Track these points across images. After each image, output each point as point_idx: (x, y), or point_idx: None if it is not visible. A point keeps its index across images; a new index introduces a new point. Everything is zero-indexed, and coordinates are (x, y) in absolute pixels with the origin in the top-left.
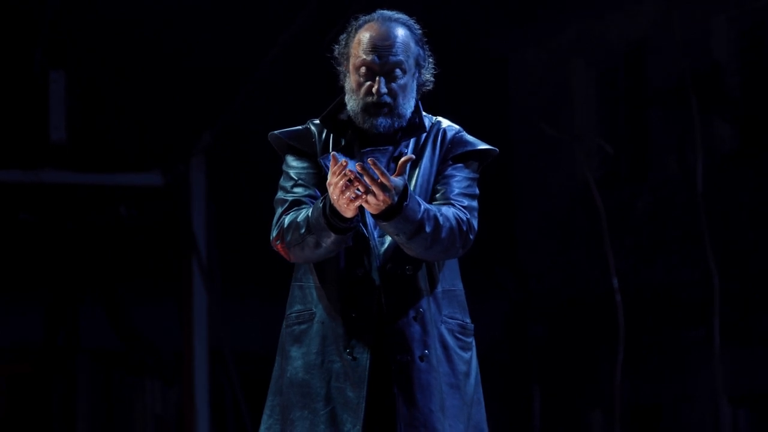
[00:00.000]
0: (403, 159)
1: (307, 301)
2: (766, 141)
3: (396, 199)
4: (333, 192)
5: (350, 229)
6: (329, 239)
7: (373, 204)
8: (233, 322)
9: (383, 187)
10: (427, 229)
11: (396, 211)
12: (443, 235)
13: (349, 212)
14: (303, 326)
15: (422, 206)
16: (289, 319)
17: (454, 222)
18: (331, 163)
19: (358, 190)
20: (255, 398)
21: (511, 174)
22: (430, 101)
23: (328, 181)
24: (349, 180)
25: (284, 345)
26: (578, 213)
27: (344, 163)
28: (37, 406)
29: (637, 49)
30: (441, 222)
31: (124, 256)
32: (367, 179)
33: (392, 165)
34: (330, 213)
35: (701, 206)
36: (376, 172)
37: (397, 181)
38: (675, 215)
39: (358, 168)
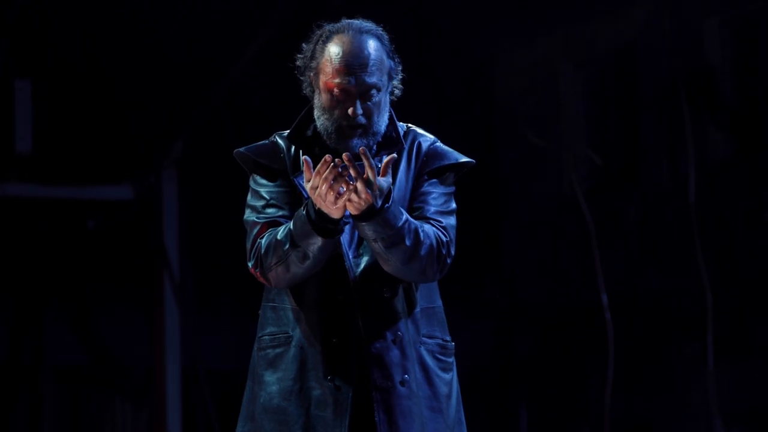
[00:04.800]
0: (386, 159)
1: (282, 323)
2: (760, 148)
3: (379, 202)
4: (320, 189)
5: (338, 231)
6: (316, 246)
7: (354, 201)
8: (207, 339)
9: (368, 183)
10: (407, 242)
11: (376, 211)
12: (423, 252)
13: (336, 211)
14: (278, 350)
15: (404, 216)
16: (262, 341)
17: (434, 241)
18: (304, 167)
19: (342, 187)
20: (229, 419)
21: (497, 182)
22: (415, 107)
23: (310, 184)
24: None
25: (256, 369)
26: (566, 223)
27: (328, 160)
28: (0, 425)
29: (627, 53)
30: (422, 238)
31: (92, 271)
32: (352, 171)
33: None
34: (316, 217)
35: (693, 215)
36: (365, 163)
37: (382, 182)
38: (666, 225)
39: (345, 159)
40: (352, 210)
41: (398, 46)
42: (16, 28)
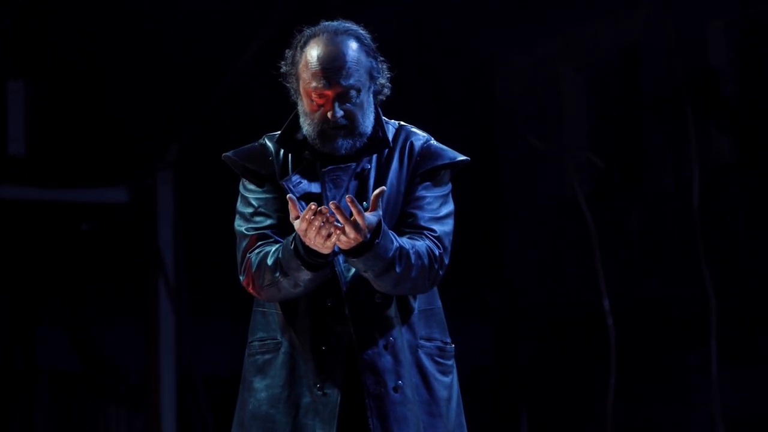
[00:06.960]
0: (376, 192)
1: (271, 328)
2: (764, 152)
3: (368, 236)
4: (308, 233)
5: (328, 263)
6: (307, 278)
7: (343, 241)
8: (202, 345)
9: (356, 226)
10: (398, 269)
11: (366, 247)
12: (413, 274)
13: (326, 249)
14: (267, 356)
15: (395, 244)
16: (252, 347)
17: (426, 259)
18: (290, 206)
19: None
20: (224, 424)
21: (497, 183)
22: (415, 107)
23: (297, 227)
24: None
25: (246, 375)
26: (567, 226)
27: (314, 207)
28: None
29: (629, 56)
30: (413, 261)
31: (86, 275)
32: (340, 217)
33: (354, 182)
34: (305, 253)
35: (697, 220)
36: (353, 210)
37: (371, 218)
38: (669, 228)
39: (332, 207)
40: (342, 246)
41: (398, 46)
42: (13, 29)
